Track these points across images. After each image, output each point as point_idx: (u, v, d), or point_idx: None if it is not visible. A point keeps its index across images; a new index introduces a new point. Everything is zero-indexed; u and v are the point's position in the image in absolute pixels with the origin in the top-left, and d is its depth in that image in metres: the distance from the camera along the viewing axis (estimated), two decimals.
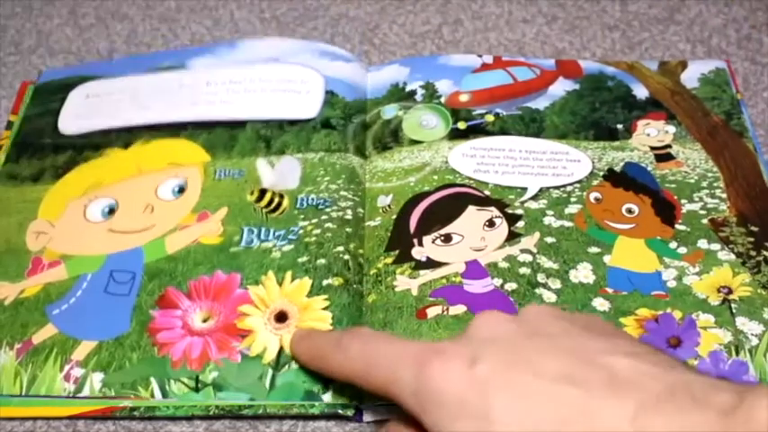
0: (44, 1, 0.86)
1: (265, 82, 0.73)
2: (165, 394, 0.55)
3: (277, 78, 0.73)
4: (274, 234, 0.63)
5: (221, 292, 0.59)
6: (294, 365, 0.56)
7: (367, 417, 0.56)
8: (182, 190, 0.66)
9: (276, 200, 0.64)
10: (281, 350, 0.56)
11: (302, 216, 0.64)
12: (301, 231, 0.63)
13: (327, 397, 0.55)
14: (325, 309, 0.58)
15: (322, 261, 0.61)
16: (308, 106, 0.71)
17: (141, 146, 0.69)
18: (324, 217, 0.64)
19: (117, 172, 0.68)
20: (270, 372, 0.55)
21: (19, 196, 0.67)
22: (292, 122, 0.70)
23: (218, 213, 0.64)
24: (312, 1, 0.85)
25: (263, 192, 0.65)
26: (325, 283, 0.60)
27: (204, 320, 0.58)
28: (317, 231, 0.63)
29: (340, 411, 0.55)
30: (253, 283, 0.60)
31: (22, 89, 0.77)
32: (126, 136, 0.70)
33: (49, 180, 0.68)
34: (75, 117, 0.72)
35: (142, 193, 0.66)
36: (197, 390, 0.55)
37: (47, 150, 0.70)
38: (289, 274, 0.60)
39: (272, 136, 0.69)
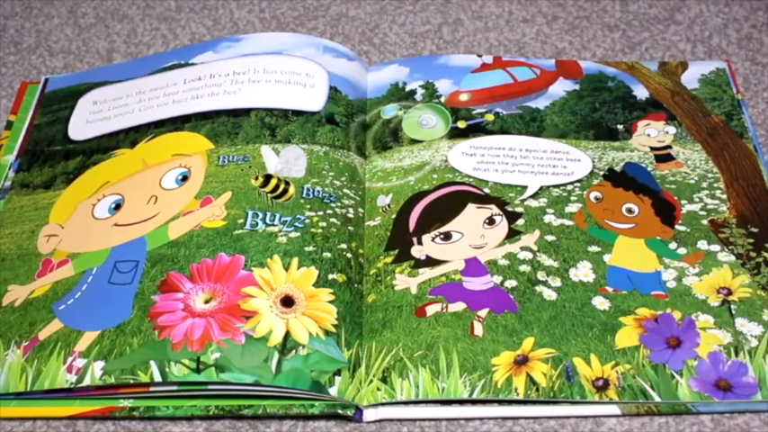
0: (44, 1, 0.86)
1: (270, 73, 0.73)
2: (164, 377, 0.55)
3: (281, 70, 0.73)
4: (280, 219, 0.63)
5: (224, 273, 0.59)
6: (302, 351, 0.56)
7: (367, 417, 0.56)
8: (185, 178, 0.66)
9: (282, 186, 0.64)
10: (287, 335, 0.56)
11: (308, 206, 0.64)
12: (308, 221, 0.63)
13: (334, 390, 0.55)
14: (330, 302, 0.58)
15: (328, 255, 0.61)
16: (314, 99, 0.71)
17: (146, 142, 0.70)
18: (329, 211, 0.64)
19: (124, 170, 0.68)
20: (276, 355, 0.55)
21: (31, 204, 0.67)
22: (297, 114, 0.71)
23: (221, 198, 0.64)
24: (312, 0, 0.85)
25: (268, 177, 0.65)
26: (330, 277, 0.60)
27: (206, 302, 0.58)
28: (323, 224, 0.63)
29: (340, 411, 0.55)
30: (258, 266, 0.60)
31: (22, 89, 0.77)
32: (133, 135, 0.71)
33: (60, 186, 0.68)
34: (85, 123, 0.73)
35: (147, 185, 0.66)
36: (198, 371, 0.55)
37: (58, 157, 0.71)
38: (295, 261, 0.60)
39: (276, 125, 0.69)
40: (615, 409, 0.55)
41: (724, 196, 0.66)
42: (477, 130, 0.71)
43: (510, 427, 0.56)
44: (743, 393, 0.55)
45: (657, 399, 0.55)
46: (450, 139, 0.71)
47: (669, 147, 0.70)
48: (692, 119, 0.72)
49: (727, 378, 0.55)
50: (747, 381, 0.55)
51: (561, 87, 0.74)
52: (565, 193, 0.66)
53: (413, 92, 0.74)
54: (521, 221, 0.64)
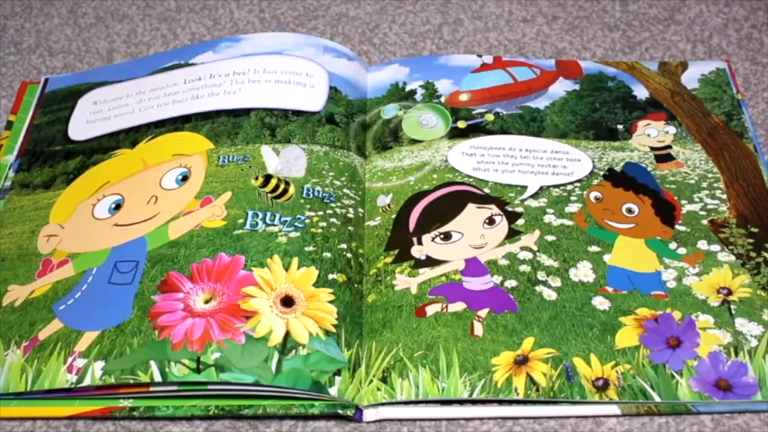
0: (44, 1, 0.86)
1: (270, 73, 0.73)
2: (164, 377, 0.55)
3: (281, 70, 0.73)
4: (280, 219, 0.63)
5: (224, 273, 0.59)
6: (302, 351, 0.56)
7: (367, 417, 0.56)
8: (185, 178, 0.66)
9: (282, 186, 0.64)
10: (287, 335, 0.56)
11: (308, 206, 0.64)
12: (308, 221, 0.63)
13: (334, 390, 0.55)
14: (330, 302, 0.58)
15: (328, 255, 0.61)
16: (314, 99, 0.72)
17: (147, 142, 0.70)
18: (329, 211, 0.64)
19: (124, 170, 0.68)
20: (276, 355, 0.55)
21: (32, 204, 0.67)
22: (297, 114, 0.71)
23: (221, 198, 0.64)
24: (312, 1, 0.85)
25: (268, 177, 0.65)
26: (330, 277, 0.60)
27: (206, 302, 0.58)
28: (323, 224, 0.63)
29: (340, 411, 0.55)
30: (258, 266, 0.60)
31: (22, 89, 0.77)
32: (133, 136, 0.71)
33: (60, 186, 0.68)
34: (85, 123, 0.73)
35: (147, 185, 0.66)
36: (198, 371, 0.55)
37: (58, 157, 0.71)
38: (295, 261, 0.60)
39: (276, 125, 0.69)
40: (615, 409, 0.55)
41: (724, 196, 0.66)
42: (477, 130, 0.71)
43: (510, 427, 0.56)
44: (743, 393, 0.55)
45: (657, 399, 0.55)
46: (450, 139, 0.71)
47: (669, 147, 0.70)
48: (692, 119, 0.72)
49: (727, 378, 0.55)
50: (747, 381, 0.55)
51: (561, 87, 0.74)
52: (565, 193, 0.66)
53: (413, 92, 0.74)
54: (521, 221, 0.64)
